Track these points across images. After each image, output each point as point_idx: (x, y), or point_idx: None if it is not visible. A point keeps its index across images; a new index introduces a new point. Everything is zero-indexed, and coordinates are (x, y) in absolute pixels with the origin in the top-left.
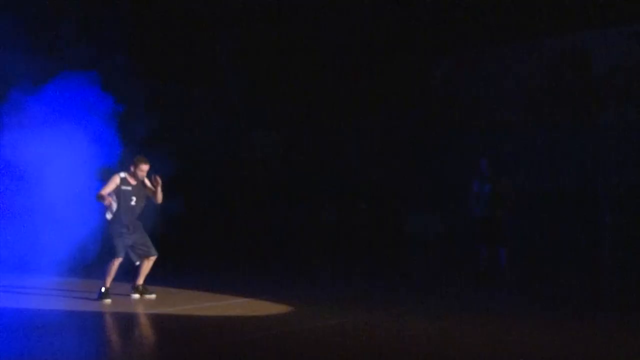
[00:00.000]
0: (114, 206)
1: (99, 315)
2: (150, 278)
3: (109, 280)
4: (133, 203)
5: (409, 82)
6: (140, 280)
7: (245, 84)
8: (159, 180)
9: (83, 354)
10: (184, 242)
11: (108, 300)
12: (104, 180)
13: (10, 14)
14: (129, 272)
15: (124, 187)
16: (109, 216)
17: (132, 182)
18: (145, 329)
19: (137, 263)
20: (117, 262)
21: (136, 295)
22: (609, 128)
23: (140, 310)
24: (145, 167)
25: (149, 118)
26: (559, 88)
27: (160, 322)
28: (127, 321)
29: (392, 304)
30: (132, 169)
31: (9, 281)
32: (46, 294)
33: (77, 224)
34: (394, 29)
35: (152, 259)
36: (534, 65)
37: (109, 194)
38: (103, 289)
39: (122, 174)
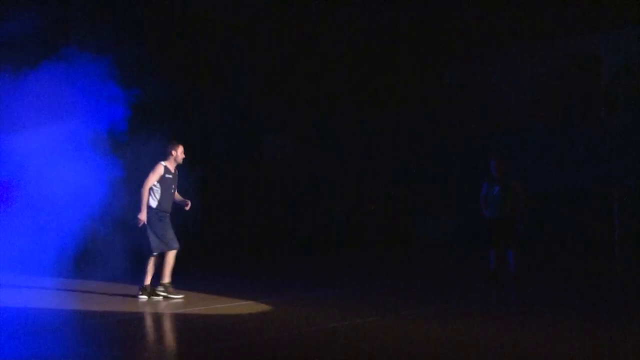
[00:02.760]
0: (158, 194)
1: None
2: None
3: (149, 276)
4: (172, 190)
5: (421, 85)
6: (167, 278)
7: (259, 85)
8: (189, 203)
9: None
10: (200, 243)
11: (144, 297)
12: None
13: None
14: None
15: (166, 175)
16: (153, 203)
17: (172, 169)
18: (182, 330)
19: (155, 253)
20: (172, 254)
21: (167, 294)
22: (621, 129)
23: (179, 310)
24: (182, 149)
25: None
26: (570, 89)
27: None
28: (161, 322)
29: (401, 306)
30: (172, 154)
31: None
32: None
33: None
34: (407, 32)
35: (175, 251)
36: (546, 68)
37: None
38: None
39: (164, 162)
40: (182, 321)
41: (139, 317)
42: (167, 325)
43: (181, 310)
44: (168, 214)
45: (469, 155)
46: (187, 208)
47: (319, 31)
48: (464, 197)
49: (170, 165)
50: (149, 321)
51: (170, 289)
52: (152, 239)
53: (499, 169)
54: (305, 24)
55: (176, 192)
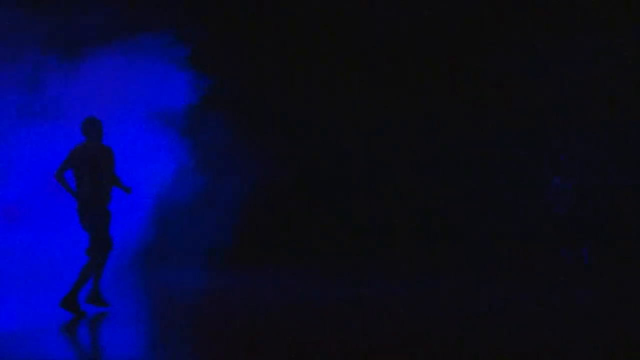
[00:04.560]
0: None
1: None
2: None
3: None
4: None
5: (474, 77)
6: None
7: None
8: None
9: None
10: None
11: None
12: None
13: None
14: None
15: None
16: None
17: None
18: None
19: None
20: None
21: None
22: None
23: None
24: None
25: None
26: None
27: None
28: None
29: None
30: (92, 131)
31: None
32: None
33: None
34: (459, 19)
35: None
36: (610, 59)
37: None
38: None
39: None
40: None
41: None
42: None
43: None
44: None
45: (527, 149)
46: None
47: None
48: (525, 193)
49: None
50: None
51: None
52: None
53: (570, 163)
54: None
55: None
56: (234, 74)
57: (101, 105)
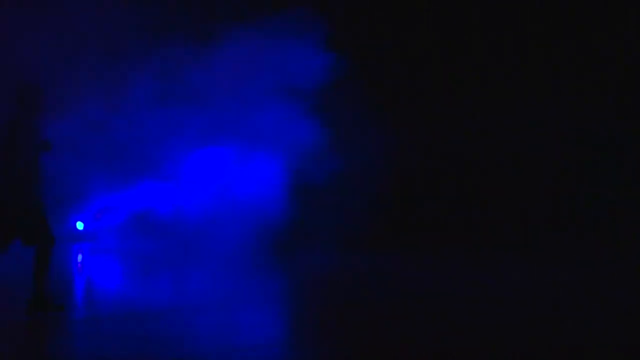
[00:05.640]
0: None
1: None
2: None
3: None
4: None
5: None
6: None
7: None
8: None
9: None
10: None
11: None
12: None
13: None
14: None
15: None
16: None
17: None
18: None
19: None
20: None
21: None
22: None
23: None
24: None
25: None
26: None
27: None
28: None
29: None
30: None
31: None
32: None
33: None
34: None
35: None
36: None
37: None
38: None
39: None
40: None
41: None
42: None
43: None
44: None
45: None
46: None
47: None
48: None
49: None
50: None
51: None
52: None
53: None
54: None
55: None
56: (374, 54)
57: (237, 87)
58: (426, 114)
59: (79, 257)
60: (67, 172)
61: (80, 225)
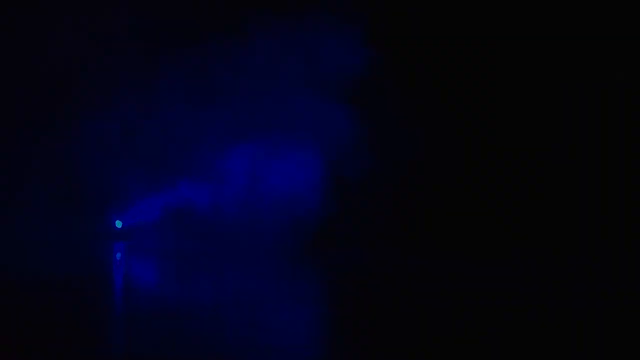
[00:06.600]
0: None
1: None
2: None
3: None
4: None
5: None
6: None
7: None
8: None
9: None
10: None
11: None
12: None
13: None
14: None
15: None
16: None
17: None
18: None
19: None
20: None
21: None
22: None
23: None
24: None
25: None
26: None
27: None
28: None
29: None
30: None
31: None
32: None
33: None
34: None
35: None
36: None
37: None
38: None
39: None
40: None
41: None
42: None
43: None
44: None
45: None
46: None
47: None
48: None
49: None
50: None
51: None
52: None
53: None
54: None
55: None
56: (410, 47)
57: (273, 81)
58: (465, 112)
59: (118, 255)
60: (105, 171)
61: (119, 224)
